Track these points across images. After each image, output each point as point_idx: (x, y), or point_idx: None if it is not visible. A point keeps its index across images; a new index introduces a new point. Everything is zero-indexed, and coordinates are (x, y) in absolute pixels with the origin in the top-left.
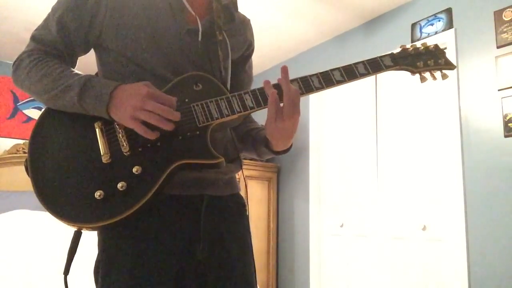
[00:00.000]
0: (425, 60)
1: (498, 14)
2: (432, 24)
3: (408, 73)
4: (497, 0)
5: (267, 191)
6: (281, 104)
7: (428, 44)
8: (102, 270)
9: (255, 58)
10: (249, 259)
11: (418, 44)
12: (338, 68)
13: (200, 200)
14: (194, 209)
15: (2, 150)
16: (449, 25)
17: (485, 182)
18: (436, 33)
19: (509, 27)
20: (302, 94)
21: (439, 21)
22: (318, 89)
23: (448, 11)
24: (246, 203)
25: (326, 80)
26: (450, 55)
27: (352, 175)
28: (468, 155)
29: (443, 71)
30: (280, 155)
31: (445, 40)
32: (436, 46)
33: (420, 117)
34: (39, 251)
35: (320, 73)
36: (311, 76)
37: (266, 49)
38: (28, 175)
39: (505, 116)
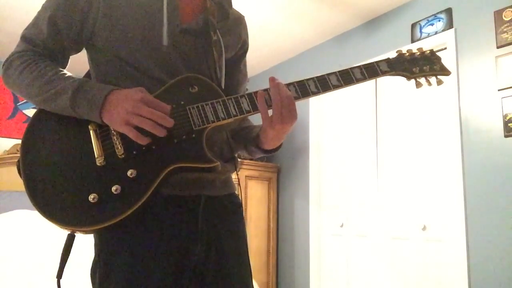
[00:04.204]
0: (421, 66)
1: (498, 14)
2: (432, 24)
3: (404, 78)
4: (497, 0)
5: (267, 191)
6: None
7: (424, 50)
8: (99, 271)
9: (255, 58)
10: (245, 258)
11: (415, 47)
12: (334, 73)
13: (197, 200)
14: (192, 209)
15: (2, 150)
16: (449, 25)
17: (485, 182)
18: (436, 33)
19: (509, 27)
20: (298, 98)
21: (439, 21)
22: (314, 93)
23: (448, 11)
24: (242, 203)
25: (323, 84)
26: (450, 55)
27: (352, 175)
28: (468, 155)
29: (438, 77)
30: (269, 154)
31: (445, 40)
32: (431, 51)
33: (420, 117)
34: (39, 251)
35: (317, 77)
36: (307, 80)
37: (265, 49)
38: (20, 176)
39: (505, 116)
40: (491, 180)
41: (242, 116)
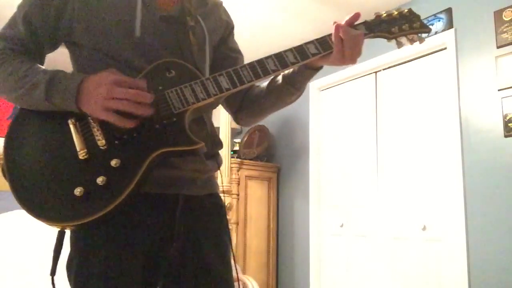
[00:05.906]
0: (400, 25)
1: (498, 14)
2: (432, 24)
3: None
4: (497, 0)
5: (267, 191)
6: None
7: (401, 9)
8: (75, 268)
9: (255, 58)
10: (226, 258)
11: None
12: (312, 41)
13: (175, 200)
14: (170, 208)
15: (2, 150)
16: (449, 25)
17: (485, 182)
18: (436, 33)
19: (509, 27)
20: (277, 70)
21: (439, 21)
22: (293, 64)
23: (448, 11)
24: (224, 204)
25: (301, 54)
26: (450, 55)
27: (352, 175)
28: (468, 155)
29: (419, 34)
30: (319, 70)
31: (445, 40)
32: (410, 10)
33: (420, 117)
34: (39, 251)
35: (295, 47)
36: (285, 51)
37: (266, 49)
38: (5, 179)
39: (505, 116)
40: (491, 180)
41: (222, 94)
